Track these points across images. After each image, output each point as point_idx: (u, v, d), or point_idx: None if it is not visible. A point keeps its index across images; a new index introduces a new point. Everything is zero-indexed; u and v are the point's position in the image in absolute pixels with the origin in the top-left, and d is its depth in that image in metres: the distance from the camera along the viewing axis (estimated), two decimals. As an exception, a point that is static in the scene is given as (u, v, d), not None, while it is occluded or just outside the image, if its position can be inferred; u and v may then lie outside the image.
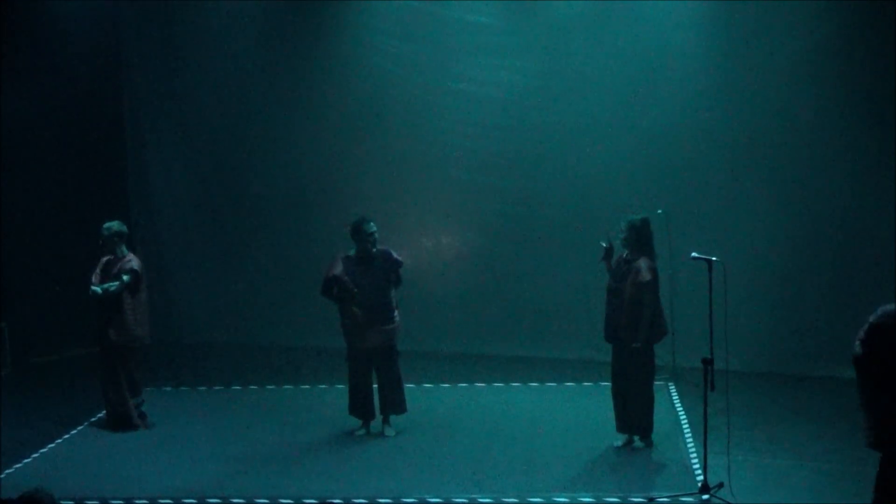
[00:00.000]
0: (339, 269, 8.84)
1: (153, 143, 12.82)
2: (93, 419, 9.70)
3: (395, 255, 9.03)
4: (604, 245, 8.50)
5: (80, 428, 9.54)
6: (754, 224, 10.99)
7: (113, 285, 9.09)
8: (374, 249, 8.88)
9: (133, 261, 9.26)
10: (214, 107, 12.61)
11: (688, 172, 11.13)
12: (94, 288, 9.10)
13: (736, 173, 11.06)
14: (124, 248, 9.32)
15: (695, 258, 7.71)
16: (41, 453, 8.91)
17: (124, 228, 9.39)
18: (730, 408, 8.05)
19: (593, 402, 9.75)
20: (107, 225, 9.28)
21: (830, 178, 10.72)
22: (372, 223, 8.86)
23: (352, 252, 8.95)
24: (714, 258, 7.55)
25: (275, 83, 12.46)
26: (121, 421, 9.35)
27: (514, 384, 10.82)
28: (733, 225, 10.97)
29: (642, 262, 8.34)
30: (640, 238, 8.42)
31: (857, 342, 6.20)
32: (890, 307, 6.13)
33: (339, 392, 9.74)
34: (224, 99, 12.56)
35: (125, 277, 9.12)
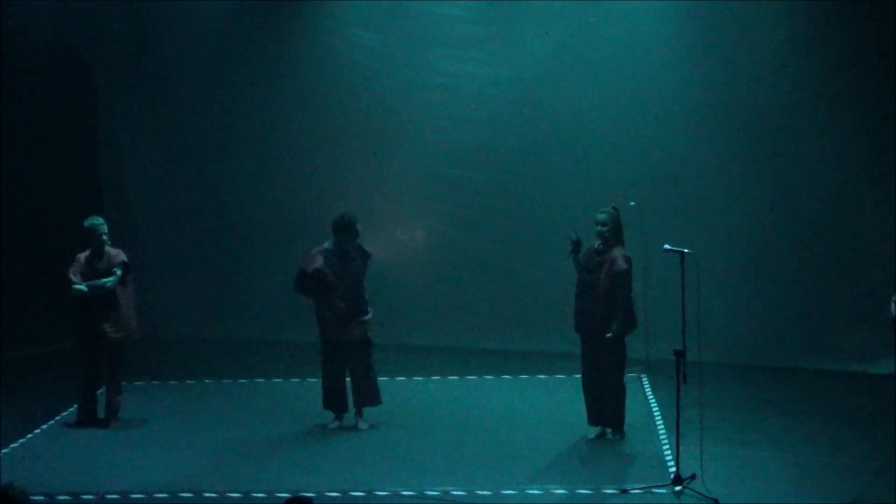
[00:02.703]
0: (320, 263, 8.81)
1: (126, 138, 12.72)
2: (64, 414, 9.61)
3: (367, 248, 9.09)
4: (572, 239, 8.47)
5: (50, 423, 9.45)
6: (728, 216, 11.05)
7: (109, 280, 9.04)
8: (352, 243, 8.91)
9: (121, 254, 9.21)
10: (188, 102, 12.52)
11: (661, 165, 11.15)
12: (78, 286, 9.02)
13: (709, 165, 11.11)
14: (106, 243, 9.28)
15: (667, 250, 7.72)
16: (12, 448, 8.81)
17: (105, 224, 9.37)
18: (703, 399, 8.10)
19: (566, 394, 9.71)
20: (93, 221, 9.20)
21: (805, 170, 10.76)
22: (357, 220, 8.91)
23: (327, 245, 8.95)
24: (686, 250, 7.57)
25: (249, 77, 12.38)
26: (93, 417, 9.31)
27: (487, 377, 10.83)
28: (706, 217, 11.01)
29: (617, 252, 8.35)
30: (618, 229, 8.43)
31: (893, 303, 7.41)
32: None
33: (313, 386, 9.70)
34: (198, 94, 12.47)
35: (118, 271, 9.07)
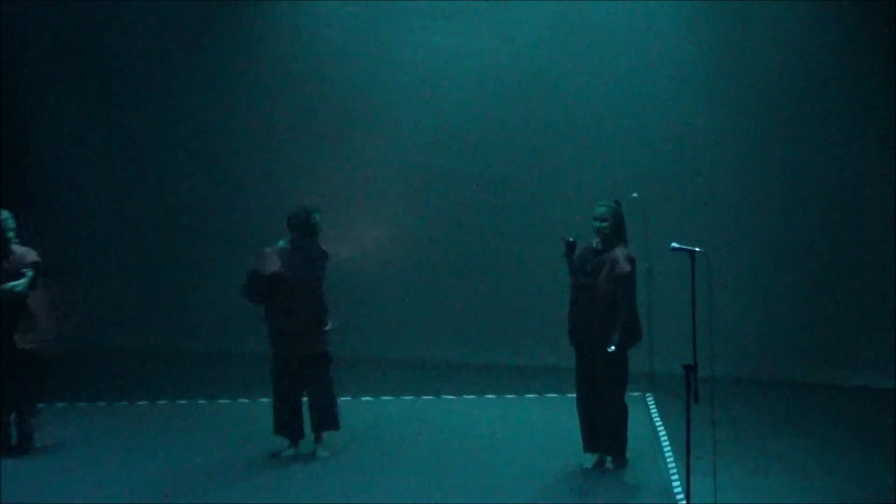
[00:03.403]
0: (273, 265, 8.77)
1: (56, 132, 12.80)
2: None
3: (324, 247, 9.02)
4: (569, 240, 8.42)
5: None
6: (743, 211, 11.21)
7: (18, 284, 8.93)
8: (310, 241, 8.87)
9: (32, 253, 9.10)
10: (129, 91, 12.60)
11: (667, 153, 11.30)
12: None
13: (722, 154, 11.24)
14: (13, 241, 9.14)
15: (675, 249, 7.59)
16: None
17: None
18: (716, 420, 8.05)
19: (559, 416, 9.72)
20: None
21: (831, 165, 10.97)
22: (318, 213, 8.85)
23: (282, 243, 8.89)
24: (697, 249, 7.50)
25: (199, 57, 12.45)
26: (5, 444, 9.14)
27: (467, 396, 10.85)
28: (719, 212, 11.15)
29: (619, 252, 8.29)
30: (619, 225, 8.39)
31: None
32: None
33: (263, 407, 9.67)
34: (140, 82, 12.56)
35: (29, 273, 8.99)
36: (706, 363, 7.64)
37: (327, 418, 9.08)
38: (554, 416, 9.91)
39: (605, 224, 8.32)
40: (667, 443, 9.19)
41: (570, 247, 8.44)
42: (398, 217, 12.33)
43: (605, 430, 8.51)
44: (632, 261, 8.31)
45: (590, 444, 8.62)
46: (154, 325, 12.65)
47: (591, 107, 11.50)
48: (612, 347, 8.22)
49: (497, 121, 11.81)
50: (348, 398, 9.88)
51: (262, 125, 12.38)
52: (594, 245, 8.43)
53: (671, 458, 8.79)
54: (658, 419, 9.82)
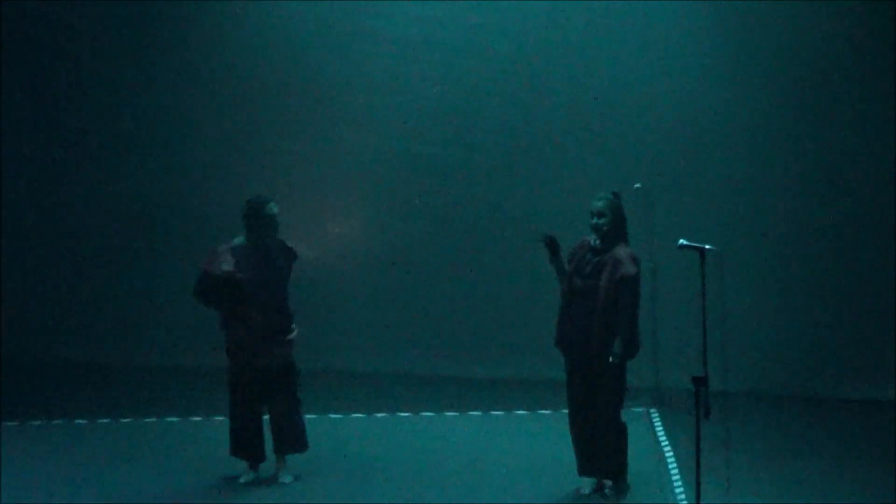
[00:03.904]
0: (228, 264, 8.68)
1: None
2: None
3: (290, 244, 8.97)
4: (547, 238, 8.35)
5: None
6: (759, 205, 11.23)
7: None
8: (271, 238, 8.81)
9: None
10: (68, 86, 12.55)
11: (675, 138, 11.29)
12: None
13: (736, 142, 11.26)
14: None
15: (683, 247, 7.58)
16: None
17: None
18: (729, 439, 8.00)
19: (552, 435, 9.65)
20: None
21: (856, 161, 11.08)
22: (274, 204, 8.78)
23: (238, 241, 8.80)
24: (708, 246, 7.46)
25: (137, 37, 12.38)
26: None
27: (448, 413, 10.80)
28: (733, 204, 11.19)
29: (622, 252, 8.22)
30: (620, 221, 8.32)
31: None
32: None
33: (219, 426, 9.60)
34: (80, 80, 12.52)
35: None
36: (718, 375, 7.69)
37: (291, 439, 8.98)
38: (546, 435, 9.86)
39: (602, 220, 8.22)
40: (674, 464, 9.14)
41: (553, 247, 8.33)
42: (372, 212, 12.28)
43: (601, 451, 8.42)
44: (636, 261, 8.23)
45: (585, 466, 8.54)
46: (93, 336, 12.55)
47: (591, 86, 11.49)
48: (614, 359, 8.16)
49: (485, 102, 11.78)
50: (315, 416, 9.80)
51: (221, 111, 12.32)
52: (592, 243, 8.32)
53: (679, 482, 8.76)
54: (664, 438, 9.79)
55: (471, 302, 11.94)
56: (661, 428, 10.03)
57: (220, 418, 9.61)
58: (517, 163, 11.77)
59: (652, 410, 10.38)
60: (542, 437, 9.95)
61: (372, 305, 12.09)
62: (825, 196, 11.15)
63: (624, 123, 11.43)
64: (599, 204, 8.26)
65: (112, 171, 12.57)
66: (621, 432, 8.43)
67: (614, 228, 8.25)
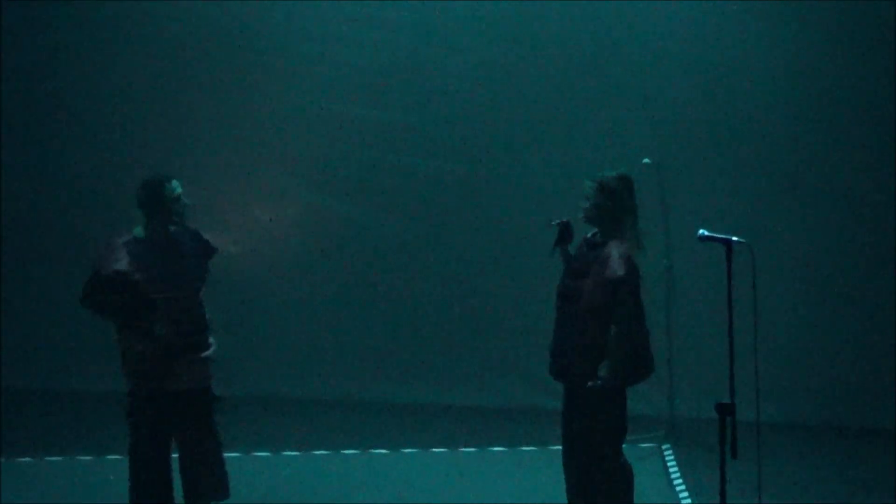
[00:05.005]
0: (122, 261, 8.54)
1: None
2: None
3: (207, 237, 8.88)
4: (562, 223, 8.34)
5: None
6: (800, 186, 11.27)
7: None
8: (178, 227, 8.68)
9: None
10: None
11: (692, 109, 11.38)
12: None
13: (766, 115, 11.35)
14: None
15: (704, 238, 7.55)
16: None
17: None
18: (762, 481, 7.98)
19: (541, 477, 9.70)
20: None
21: None
22: (177, 183, 8.66)
23: (137, 232, 8.68)
24: (735, 238, 7.43)
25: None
26: None
27: (406, 450, 10.86)
28: (767, 186, 11.26)
29: (613, 249, 8.11)
30: (617, 208, 8.24)
31: None
32: None
33: (115, 466, 9.57)
34: None
35: None
36: (748, 401, 7.53)
37: (209, 482, 8.81)
38: (534, 478, 9.91)
39: (587, 204, 8.19)
40: (691, 511, 9.20)
41: (565, 233, 8.31)
42: (316, 195, 12.28)
43: (596, 497, 8.32)
44: (628, 262, 8.05)
45: (578, 514, 8.52)
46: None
47: (599, 46, 11.61)
48: (594, 383, 8.00)
49: (464, 56, 11.85)
50: (238, 454, 9.80)
51: (123, 83, 12.42)
52: (589, 236, 8.28)
53: (698, 533, 8.95)
54: (679, 479, 9.86)
55: (442, 310, 12.01)
56: (675, 468, 10.08)
57: (115, 458, 9.68)
58: (510, 135, 11.84)
59: (665, 447, 10.44)
60: (525, 479, 9.99)
61: (313, 315, 12.13)
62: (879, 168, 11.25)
63: (637, 91, 11.57)
64: (586, 184, 8.23)
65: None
66: (621, 475, 8.31)
67: (602, 216, 8.18)
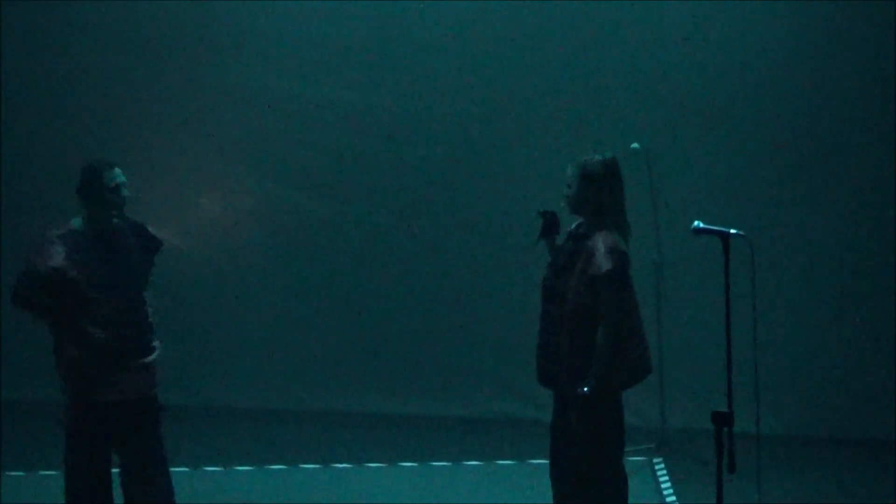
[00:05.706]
0: (58, 257, 8.47)
1: None
2: None
3: (152, 231, 8.82)
4: (546, 213, 8.32)
5: None
6: (797, 179, 11.34)
7: None
8: (120, 220, 8.59)
9: None
10: None
11: (686, 93, 11.47)
12: None
13: (764, 99, 11.44)
14: None
15: (699, 231, 7.53)
16: None
17: None
18: (761, 499, 8.00)
19: (520, 493, 9.83)
20: None
21: None
22: (119, 170, 8.59)
23: (75, 224, 8.65)
24: (733, 231, 7.42)
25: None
26: None
27: (371, 465, 10.89)
28: (767, 176, 11.29)
29: (599, 240, 8.07)
30: (602, 196, 8.23)
31: None
32: None
33: (49, 483, 9.62)
34: None
35: None
36: (747, 410, 7.54)
37: (153, 500, 8.71)
38: (515, 494, 9.97)
39: (569, 191, 8.18)
40: (684, 531, 9.24)
41: (550, 224, 8.27)
42: (276, 185, 12.31)
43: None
44: (616, 254, 8.05)
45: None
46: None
47: (588, 31, 11.70)
48: (584, 389, 7.95)
49: (440, 30, 11.91)
50: (185, 469, 9.83)
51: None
52: (573, 227, 8.27)
53: (691, 556, 8.95)
54: (671, 495, 9.89)
55: (411, 314, 12.06)
56: (668, 484, 10.11)
57: (49, 473, 9.70)
58: (496, 119, 11.89)
59: (656, 460, 10.46)
60: (507, 496, 10.03)
61: (269, 318, 12.15)
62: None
63: (630, 73, 11.64)
64: (568, 169, 8.22)
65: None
66: (609, 489, 8.25)
67: (585, 205, 8.16)
